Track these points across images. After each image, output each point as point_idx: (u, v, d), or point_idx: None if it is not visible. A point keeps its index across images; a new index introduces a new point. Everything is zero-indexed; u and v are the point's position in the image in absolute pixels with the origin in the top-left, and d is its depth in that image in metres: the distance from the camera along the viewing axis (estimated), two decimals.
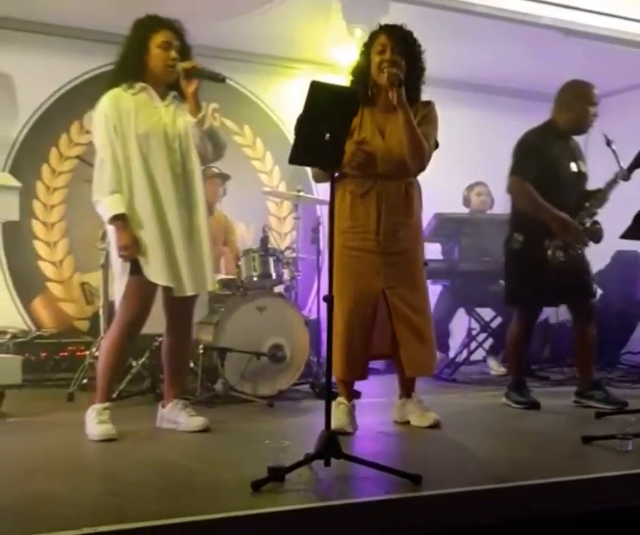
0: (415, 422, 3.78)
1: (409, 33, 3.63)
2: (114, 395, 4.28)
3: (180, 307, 3.60)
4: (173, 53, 3.49)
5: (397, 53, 3.55)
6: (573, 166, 4.38)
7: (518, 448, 3.44)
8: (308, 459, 2.69)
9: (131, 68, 3.51)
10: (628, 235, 3.56)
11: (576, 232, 4.27)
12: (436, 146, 3.72)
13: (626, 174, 4.21)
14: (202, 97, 3.59)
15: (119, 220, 3.39)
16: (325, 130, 2.73)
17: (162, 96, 3.54)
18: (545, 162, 4.31)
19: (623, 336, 6.48)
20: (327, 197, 5.51)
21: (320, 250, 5.34)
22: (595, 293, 4.63)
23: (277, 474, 2.60)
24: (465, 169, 6.48)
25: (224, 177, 5.83)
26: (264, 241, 4.99)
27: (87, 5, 5.31)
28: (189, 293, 3.50)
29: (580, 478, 2.83)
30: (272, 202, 6.62)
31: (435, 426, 3.73)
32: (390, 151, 3.58)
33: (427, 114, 3.66)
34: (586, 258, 4.53)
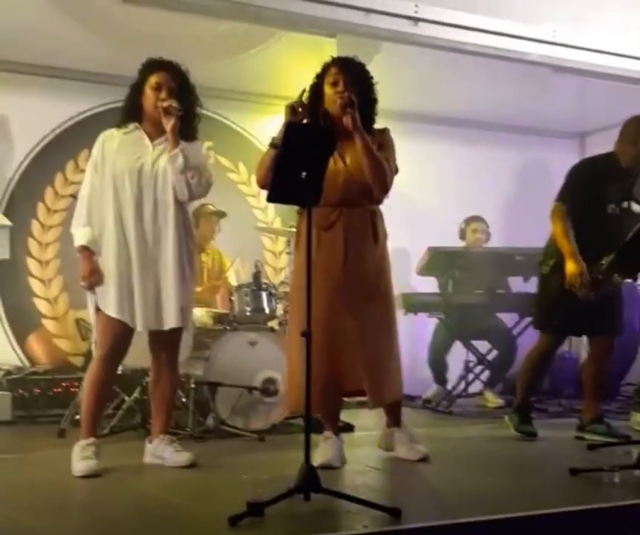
0: (403, 455, 3.76)
1: (361, 65, 3.66)
2: (106, 431, 4.34)
3: (160, 342, 3.62)
4: (163, 94, 3.54)
5: (350, 84, 3.55)
6: (625, 204, 4.28)
7: (506, 479, 3.42)
8: (287, 493, 2.69)
9: (127, 109, 3.62)
10: (611, 269, 3.52)
11: (581, 283, 4.13)
12: (396, 171, 3.70)
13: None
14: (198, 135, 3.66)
15: (82, 251, 3.52)
16: (301, 168, 2.77)
17: (157, 135, 3.59)
18: (593, 193, 4.23)
19: (622, 367, 6.44)
20: None
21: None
22: (622, 331, 4.51)
23: (255, 509, 2.59)
24: (462, 203, 6.51)
25: (220, 215, 5.88)
26: (257, 276, 5.01)
27: (81, 47, 5.37)
28: (141, 328, 3.53)
29: (563, 510, 2.82)
30: (268, 238, 6.64)
31: (423, 459, 3.71)
32: (352, 177, 3.57)
33: (383, 141, 3.66)
34: (622, 293, 4.41)
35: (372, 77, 3.67)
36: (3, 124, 5.67)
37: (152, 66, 3.60)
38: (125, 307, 3.48)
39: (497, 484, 3.31)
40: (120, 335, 3.51)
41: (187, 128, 3.64)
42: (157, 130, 3.60)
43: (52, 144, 5.86)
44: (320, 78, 3.65)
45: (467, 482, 3.35)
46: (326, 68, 3.65)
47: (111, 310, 3.48)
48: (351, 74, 3.59)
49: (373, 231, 3.65)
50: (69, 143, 5.87)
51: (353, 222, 3.60)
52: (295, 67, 5.85)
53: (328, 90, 3.60)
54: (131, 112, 3.62)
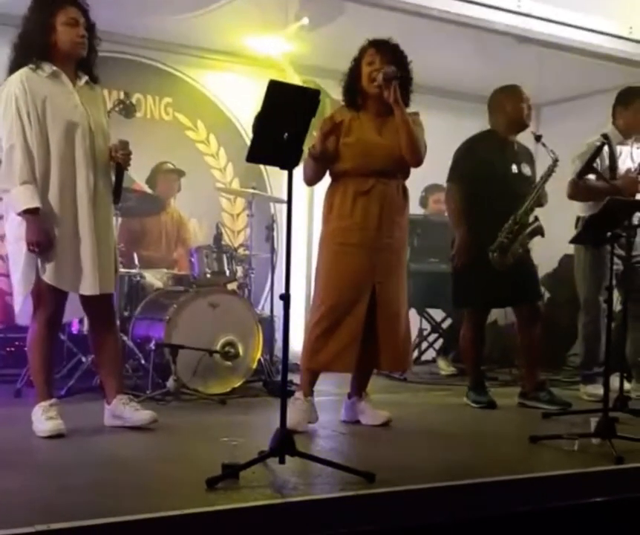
0: (366, 421, 3.82)
1: (396, 45, 3.75)
2: (63, 392, 4.27)
3: (96, 305, 3.47)
4: (81, 30, 3.34)
5: (386, 63, 3.64)
6: (514, 168, 4.49)
7: (468, 446, 3.50)
8: (263, 457, 2.70)
9: (35, 48, 3.31)
10: (577, 240, 3.65)
11: (464, 247, 4.39)
12: (425, 148, 3.81)
13: (576, 181, 4.31)
14: (151, 91, 3.56)
15: (32, 213, 3.22)
16: (283, 129, 2.74)
17: (73, 79, 3.39)
18: (481, 165, 4.45)
19: (569, 337, 6.61)
20: (283, 195, 5.54)
21: (274, 248, 5.33)
22: (541, 296, 4.73)
23: (231, 471, 2.60)
24: (421, 171, 6.53)
25: (179, 173, 5.81)
26: (217, 237, 4.98)
27: None
28: (91, 292, 3.36)
29: (528, 476, 2.90)
30: (226, 199, 6.58)
31: (386, 423, 3.79)
32: (391, 150, 3.67)
33: (414, 121, 3.75)
34: (532, 260, 4.64)
35: (406, 57, 3.74)
36: None
37: (59, 0, 3.34)
38: (65, 273, 3.31)
39: (461, 451, 3.38)
40: (61, 298, 3.39)
41: (91, 69, 3.48)
42: (71, 70, 3.39)
43: None
44: (357, 60, 3.75)
45: (431, 449, 3.41)
46: (363, 50, 3.74)
47: (53, 279, 3.29)
48: (387, 54, 3.68)
49: (404, 201, 3.80)
50: None
51: (388, 193, 3.71)
52: (256, 25, 5.80)
53: (366, 69, 3.69)
54: (41, 50, 3.31)
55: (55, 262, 3.29)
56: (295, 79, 5.77)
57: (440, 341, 6.25)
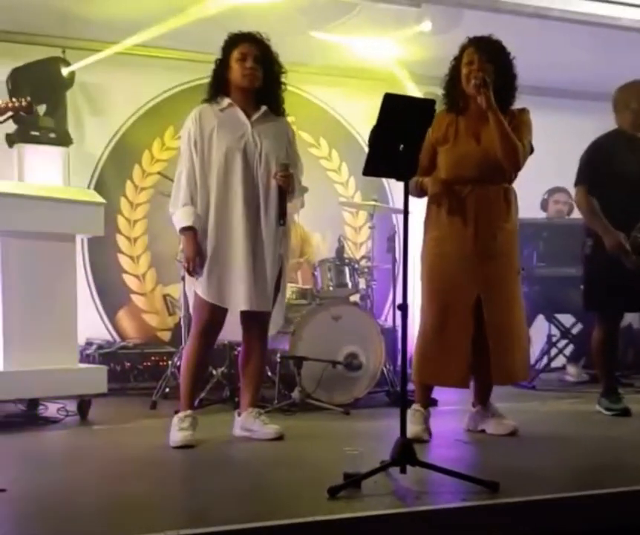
0: (492, 430, 3.76)
1: (497, 42, 3.66)
2: (195, 403, 4.44)
3: (253, 320, 3.65)
4: (249, 63, 3.54)
5: (485, 62, 3.58)
6: None
7: (600, 455, 3.38)
8: (384, 466, 2.71)
9: (215, 85, 3.62)
10: None
11: (623, 249, 4.20)
12: (532, 150, 3.71)
13: None
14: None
15: (187, 232, 3.51)
16: (399, 141, 2.77)
17: (252, 110, 3.61)
18: (610, 167, 4.30)
19: None
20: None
21: (396, 259, 5.35)
22: None
23: (353, 480, 2.63)
24: (544, 174, 6.38)
25: (302, 190, 5.90)
26: (340, 250, 5.04)
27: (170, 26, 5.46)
28: (244, 308, 3.53)
29: None
30: (348, 212, 6.66)
31: (513, 434, 3.71)
32: (487, 155, 3.60)
33: (520, 119, 3.68)
34: None
35: (509, 53, 3.66)
36: (95, 100, 5.83)
37: (235, 39, 3.60)
38: (222, 290, 3.51)
39: (592, 460, 3.27)
40: (216, 313, 3.56)
41: (278, 103, 3.66)
42: (248, 103, 3.60)
43: (138, 122, 6.01)
44: (457, 60, 3.69)
45: (560, 457, 3.32)
46: (462, 49, 3.68)
47: (204, 293, 3.51)
48: (486, 52, 3.60)
49: (507, 206, 3.69)
50: (155, 120, 6.01)
51: (486, 199, 3.63)
52: (375, 41, 5.84)
53: (464, 70, 3.63)
54: (219, 87, 3.61)
55: (207, 278, 3.51)
56: (410, 89, 5.79)
57: (570, 347, 6.06)
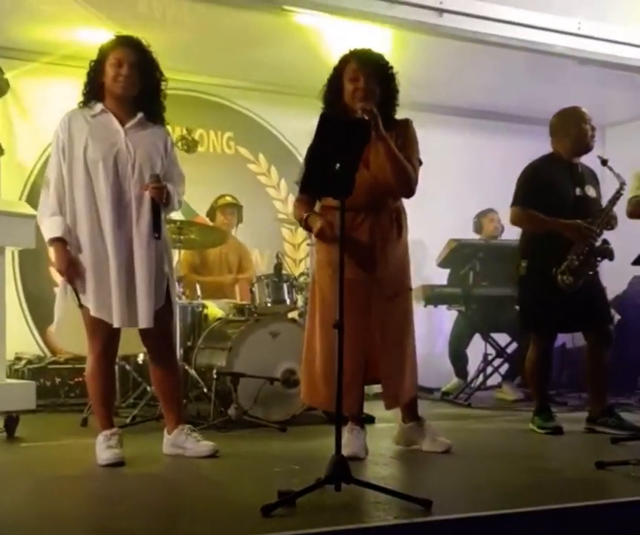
0: (427, 447, 3.76)
1: (380, 56, 3.61)
2: (128, 421, 4.36)
3: (148, 337, 3.52)
4: (125, 69, 3.40)
5: (369, 78, 3.50)
6: (578, 191, 4.42)
7: (531, 473, 3.41)
8: (318, 484, 2.68)
9: (89, 89, 3.47)
10: (639, 261, 3.55)
11: (587, 230, 4.27)
12: (420, 163, 3.65)
13: None
14: (213, 126, 3.63)
15: (56, 242, 3.36)
16: (336, 160, 2.76)
17: (126, 117, 3.46)
18: (546, 189, 4.38)
19: None
20: None
21: None
22: (611, 319, 4.60)
23: (287, 498, 2.60)
24: (473, 197, 6.52)
25: (238, 207, 5.88)
26: (278, 267, 5.02)
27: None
28: (117, 325, 3.37)
29: (593, 503, 2.81)
30: (287, 229, 6.65)
31: (447, 451, 3.72)
32: (377, 180, 3.52)
33: (406, 135, 3.61)
34: (601, 283, 4.56)
35: (391, 67, 3.60)
36: (29, 111, 5.70)
37: (111, 42, 3.46)
38: (104, 304, 3.35)
39: (523, 477, 3.30)
40: (109, 330, 3.41)
41: (156, 110, 3.53)
42: (123, 109, 3.46)
43: None
44: (339, 71, 3.57)
45: (493, 474, 3.34)
46: (344, 62, 3.57)
47: (91, 308, 3.36)
48: (370, 67, 3.53)
49: (398, 229, 3.65)
50: None
51: (379, 224, 3.58)
52: (313, 58, 5.85)
53: (349, 85, 3.53)
54: (93, 91, 3.45)
55: (91, 292, 3.36)
56: None
57: (505, 366, 6.14)
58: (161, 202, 3.43)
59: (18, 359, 5.35)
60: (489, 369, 6.13)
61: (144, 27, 5.12)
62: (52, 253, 3.43)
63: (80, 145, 3.38)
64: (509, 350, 6.00)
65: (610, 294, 6.26)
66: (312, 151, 2.83)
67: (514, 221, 4.58)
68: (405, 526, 2.47)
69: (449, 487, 3.06)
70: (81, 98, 3.48)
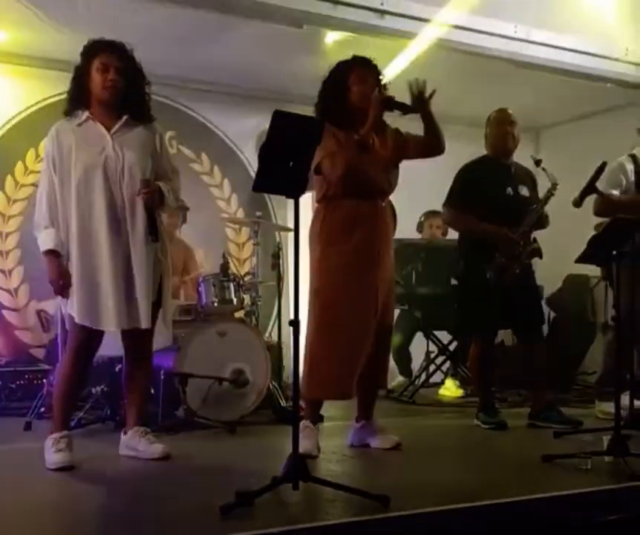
0: (376, 444, 3.82)
1: (377, 66, 3.75)
2: (73, 423, 4.27)
3: (133, 338, 3.54)
4: (111, 74, 3.41)
5: (374, 81, 3.69)
6: (509, 190, 4.53)
7: (481, 468, 3.49)
8: (276, 482, 2.70)
9: (75, 97, 3.47)
10: (582, 259, 3.66)
11: (509, 239, 4.39)
12: None
13: (578, 202, 4.33)
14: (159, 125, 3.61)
15: (49, 255, 3.40)
16: (289, 158, 2.77)
17: (112, 121, 3.46)
18: (476, 188, 4.49)
19: (577, 357, 6.62)
20: (288, 223, 5.58)
21: (281, 275, 5.36)
22: (543, 319, 4.74)
23: (245, 499, 2.60)
24: (424, 195, 6.57)
25: (182, 208, 5.82)
26: (224, 266, 4.99)
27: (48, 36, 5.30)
28: (114, 328, 3.43)
29: (541, 496, 2.89)
30: (231, 228, 6.62)
31: (396, 447, 3.78)
32: (386, 172, 3.71)
33: (398, 131, 3.85)
34: (534, 282, 4.69)
35: (384, 76, 3.80)
36: None
37: (96, 47, 3.45)
38: (91, 311, 3.38)
39: (473, 472, 3.38)
40: (91, 333, 3.42)
41: (142, 110, 3.54)
42: (108, 115, 3.46)
43: (12, 131, 5.76)
44: (343, 77, 3.70)
45: (443, 470, 3.41)
46: (348, 68, 3.71)
47: (75, 315, 3.38)
48: (374, 73, 3.71)
49: (394, 223, 3.84)
50: (29, 131, 5.77)
51: (384, 215, 3.73)
52: (259, 58, 5.85)
53: (358, 87, 3.67)
54: (78, 98, 3.45)
55: (77, 299, 3.38)
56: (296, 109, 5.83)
57: (448, 363, 6.25)
58: (154, 205, 3.46)
59: None
60: (432, 367, 6.22)
61: (86, 27, 5.15)
62: (46, 264, 3.43)
63: (70, 156, 3.39)
64: (451, 347, 6.09)
65: (547, 291, 6.46)
66: (265, 148, 2.82)
67: (445, 220, 4.84)
68: (364, 523, 2.51)
69: (402, 483, 3.10)
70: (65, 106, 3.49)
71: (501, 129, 4.60)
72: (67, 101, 3.49)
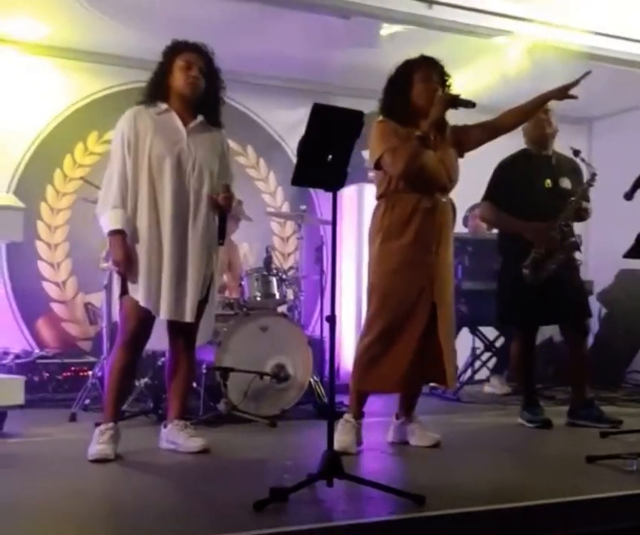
0: (416, 442, 3.78)
1: (443, 66, 3.76)
2: None
3: (180, 330, 3.59)
4: (194, 72, 3.52)
5: (440, 83, 3.71)
6: (548, 183, 4.45)
7: (522, 468, 3.43)
8: (311, 479, 2.68)
9: (154, 88, 3.56)
10: (630, 254, 3.56)
11: (547, 235, 4.31)
12: None
13: (629, 194, 4.20)
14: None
15: (116, 235, 3.42)
16: (328, 151, 2.75)
17: (188, 118, 3.56)
18: (513, 183, 4.43)
19: (628, 354, 6.46)
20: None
21: (323, 270, 5.34)
22: (589, 313, 4.61)
23: (279, 494, 2.59)
24: (467, 190, 6.47)
25: (238, 210, 5.83)
26: (267, 261, 4.99)
27: (98, 30, 5.36)
28: (165, 317, 3.47)
29: (585, 498, 2.82)
30: (276, 222, 6.62)
31: (436, 445, 3.74)
32: (448, 169, 3.70)
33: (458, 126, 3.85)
34: (579, 277, 4.58)
35: (450, 76, 3.78)
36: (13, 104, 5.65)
37: (180, 47, 3.57)
38: (152, 295, 3.43)
39: (514, 472, 3.32)
40: (144, 321, 3.48)
41: (216, 114, 3.63)
42: (186, 111, 3.56)
43: (61, 125, 5.84)
44: (408, 74, 3.70)
45: (483, 470, 3.35)
46: (414, 65, 3.72)
47: (140, 298, 3.43)
48: (438, 71, 3.71)
49: (454, 220, 3.89)
50: (78, 125, 5.85)
51: (445, 211, 3.73)
52: (306, 49, 5.83)
53: (422, 84, 3.67)
54: (158, 91, 3.55)
55: (145, 283, 3.43)
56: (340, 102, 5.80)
57: (494, 360, 6.16)
58: (229, 210, 3.57)
59: (6, 353, 5.29)
60: (477, 363, 6.14)
61: (132, 21, 5.20)
62: (110, 244, 3.47)
63: (146, 141, 3.46)
64: (497, 344, 6.01)
65: (597, 287, 6.32)
66: (304, 141, 2.81)
67: (482, 216, 4.77)
68: (399, 522, 2.48)
69: (440, 482, 3.06)
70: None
71: (538, 117, 4.48)
72: (146, 91, 3.57)
